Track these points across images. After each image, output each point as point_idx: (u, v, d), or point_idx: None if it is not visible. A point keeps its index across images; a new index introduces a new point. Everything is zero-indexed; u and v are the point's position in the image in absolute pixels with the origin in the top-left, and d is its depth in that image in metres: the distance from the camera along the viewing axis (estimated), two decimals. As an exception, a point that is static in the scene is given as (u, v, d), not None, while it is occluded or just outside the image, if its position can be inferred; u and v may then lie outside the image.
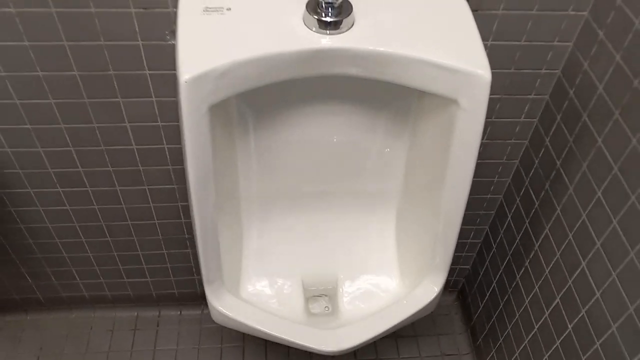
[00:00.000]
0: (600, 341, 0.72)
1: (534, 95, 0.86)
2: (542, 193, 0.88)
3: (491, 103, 0.86)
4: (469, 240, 1.15)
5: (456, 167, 0.70)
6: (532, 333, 0.92)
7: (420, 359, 1.19)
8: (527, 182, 0.94)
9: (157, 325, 1.22)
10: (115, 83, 0.77)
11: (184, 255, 1.10)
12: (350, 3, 0.65)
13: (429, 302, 0.84)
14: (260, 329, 0.80)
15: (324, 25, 0.63)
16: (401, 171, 0.89)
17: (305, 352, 1.20)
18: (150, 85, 0.78)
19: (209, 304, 0.82)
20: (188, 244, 1.08)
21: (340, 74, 0.67)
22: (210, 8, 0.66)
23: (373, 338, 0.81)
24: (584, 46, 0.75)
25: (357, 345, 0.80)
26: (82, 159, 0.88)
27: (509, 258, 1.02)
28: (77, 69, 0.75)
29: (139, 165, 0.90)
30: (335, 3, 0.63)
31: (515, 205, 0.99)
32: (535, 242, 0.91)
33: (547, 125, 0.86)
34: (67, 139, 0.84)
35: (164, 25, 0.71)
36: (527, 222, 0.94)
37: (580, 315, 0.77)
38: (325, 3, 0.63)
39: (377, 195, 0.93)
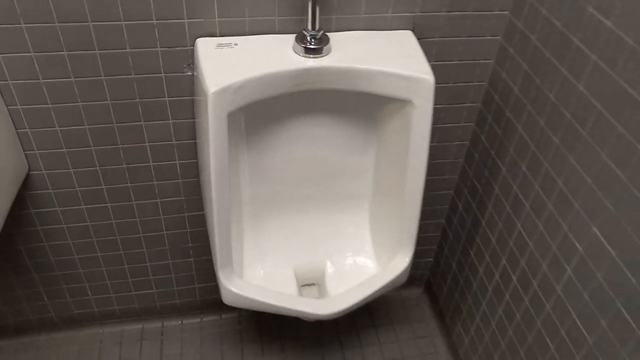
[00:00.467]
0: (537, 282, 0.93)
1: (469, 103, 1.10)
2: (483, 180, 1.11)
3: (437, 112, 1.09)
4: (429, 234, 1.36)
5: (415, 154, 0.92)
6: (488, 297, 1.13)
7: (398, 343, 1.37)
8: (471, 175, 1.17)
9: (162, 335, 1.35)
10: (140, 109, 0.96)
11: (187, 265, 1.26)
12: (327, 36, 0.88)
13: (402, 271, 1.03)
14: (266, 301, 0.97)
15: (310, 51, 0.86)
16: (371, 172, 1.10)
17: (300, 345, 1.36)
18: (169, 110, 0.97)
19: (221, 287, 0.98)
20: (191, 252, 1.24)
21: (323, 89, 0.89)
22: (222, 44, 0.87)
23: (359, 302, 0.99)
24: (501, 61, 1.00)
25: (346, 309, 0.97)
26: (106, 176, 1.05)
27: (464, 242, 1.23)
28: (110, 99, 0.93)
29: (154, 180, 1.07)
30: (317, 35, 0.86)
31: (464, 197, 1.21)
32: (482, 221, 1.13)
33: (482, 126, 1.10)
34: (95, 159, 1.01)
35: (183, 60, 0.91)
36: (474, 207, 1.16)
37: (520, 267, 0.98)
38: (310, 35, 0.85)
39: (353, 194, 1.13)
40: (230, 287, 0.98)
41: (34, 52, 0.85)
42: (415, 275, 1.47)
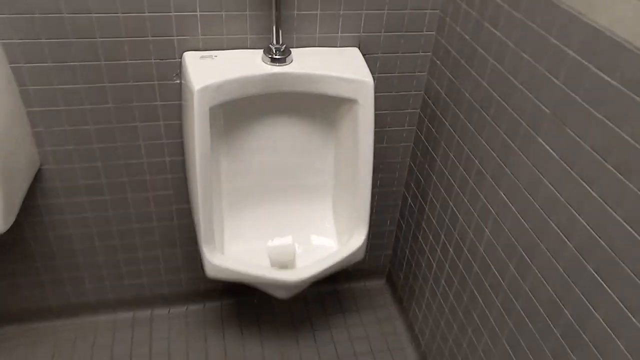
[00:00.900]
0: (467, 247, 1.13)
1: (410, 109, 1.32)
2: (425, 172, 1.32)
3: (383, 117, 1.31)
4: (387, 229, 1.56)
5: (362, 146, 1.13)
6: (433, 272, 1.32)
7: (363, 325, 1.54)
8: (416, 171, 1.38)
9: (151, 323, 1.51)
10: (136, 112, 1.16)
11: (174, 255, 1.44)
12: (290, 49, 1.10)
13: (358, 247, 1.23)
14: (245, 271, 1.15)
15: (275, 61, 1.08)
16: (332, 166, 1.31)
17: (275, 327, 1.52)
18: (160, 113, 1.18)
19: (204, 261, 1.16)
20: (178, 243, 1.41)
21: (287, 91, 1.10)
22: (204, 56, 1.09)
23: (323, 271, 1.17)
24: (433, 72, 1.23)
25: (311, 277, 1.16)
26: (106, 171, 1.23)
27: (413, 230, 1.43)
28: (112, 102, 1.14)
29: (147, 175, 1.26)
30: (281, 48, 1.08)
31: (412, 190, 1.42)
32: (425, 207, 1.33)
33: (421, 128, 1.32)
34: (98, 156, 1.21)
35: (172, 69, 1.12)
36: (419, 197, 1.37)
37: (454, 239, 1.18)
38: (275, 48, 1.07)
39: (317, 186, 1.33)
40: (213, 260, 1.16)
41: (51, 63, 1.06)
42: (378, 268, 1.65)
